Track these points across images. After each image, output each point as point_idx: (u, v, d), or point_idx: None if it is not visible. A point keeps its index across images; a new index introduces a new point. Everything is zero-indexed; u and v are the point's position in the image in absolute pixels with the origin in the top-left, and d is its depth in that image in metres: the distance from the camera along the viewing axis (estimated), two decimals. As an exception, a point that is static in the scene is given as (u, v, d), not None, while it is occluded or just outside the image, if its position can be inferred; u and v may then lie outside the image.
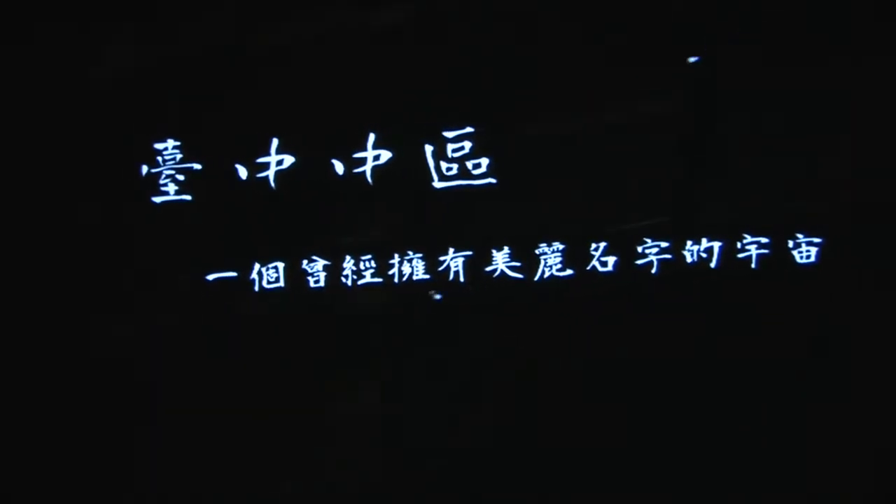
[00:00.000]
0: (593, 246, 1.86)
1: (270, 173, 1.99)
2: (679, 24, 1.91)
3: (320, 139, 1.99)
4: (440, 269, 1.94)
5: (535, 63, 1.98)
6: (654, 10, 1.89)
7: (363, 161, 1.94)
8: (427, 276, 1.98)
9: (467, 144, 1.90)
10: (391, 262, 1.95)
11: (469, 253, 1.92)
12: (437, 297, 1.94)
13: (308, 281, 2.01)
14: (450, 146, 1.91)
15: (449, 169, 1.91)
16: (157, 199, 2.01)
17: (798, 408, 1.91)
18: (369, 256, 1.96)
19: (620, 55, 1.89)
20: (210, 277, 2.05)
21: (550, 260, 1.89)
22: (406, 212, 2.06)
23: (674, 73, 1.97)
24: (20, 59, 2.21)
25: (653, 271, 1.90)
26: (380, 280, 1.98)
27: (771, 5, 1.86)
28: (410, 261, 1.94)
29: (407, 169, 1.95)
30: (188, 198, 2.01)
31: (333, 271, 2.01)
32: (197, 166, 2.01)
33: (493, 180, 1.89)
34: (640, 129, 1.93)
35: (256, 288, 2.04)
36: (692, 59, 1.90)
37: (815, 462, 1.83)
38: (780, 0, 1.89)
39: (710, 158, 1.91)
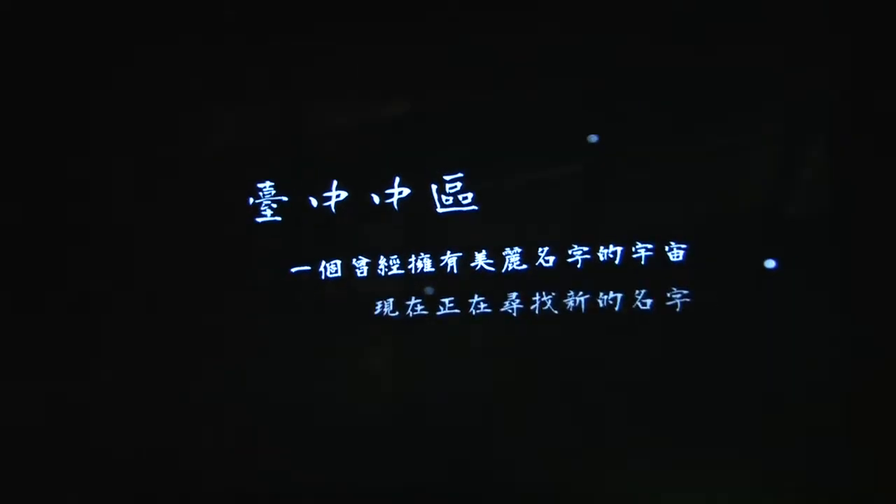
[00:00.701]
0: (540, 249, 2.38)
1: (332, 203, 2.51)
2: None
3: (364, 181, 2.51)
4: (441, 264, 2.46)
5: (504, 135, 2.44)
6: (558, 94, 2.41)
7: (391, 195, 2.48)
8: (433, 269, 2.46)
9: (459, 184, 2.44)
10: (409, 260, 2.48)
11: (460, 254, 2.43)
12: (430, 291, 2.44)
13: (356, 272, 2.52)
14: (447, 185, 2.44)
15: (447, 200, 2.45)
16: (259, 220, 2.59)
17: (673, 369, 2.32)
18: (395, 256, 2.48)
19: (549, 130, 2.40)
20: (293, 270, 2.57)
21: (512, 258, 2.40)
22: (419, 228, 2.48)
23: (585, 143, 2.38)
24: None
25: (578, 266, 2.36)
26: (402, 272, 2.48)
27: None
28: (422, 259, 2.47)
29: (420, 200, 2.46)
30: (279, 219, 2.58)
31: (372, 266, 2.51)
32: (284, 198, 2.57)
33: (475, 207, 2.42)
34: (570, 177, 2.41)
35: (323, 277, 2.55)
36: (592, 138, 2.37)
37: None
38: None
39: (616, 194, 2.39)
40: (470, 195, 2.45)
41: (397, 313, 2.50)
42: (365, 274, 2.52)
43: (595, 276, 2.37)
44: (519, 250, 2.41)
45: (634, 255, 2.34)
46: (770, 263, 2.25)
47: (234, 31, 2.58)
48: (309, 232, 2.59)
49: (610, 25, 2.40)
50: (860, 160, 2.27)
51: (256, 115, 2.64)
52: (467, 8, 2.48)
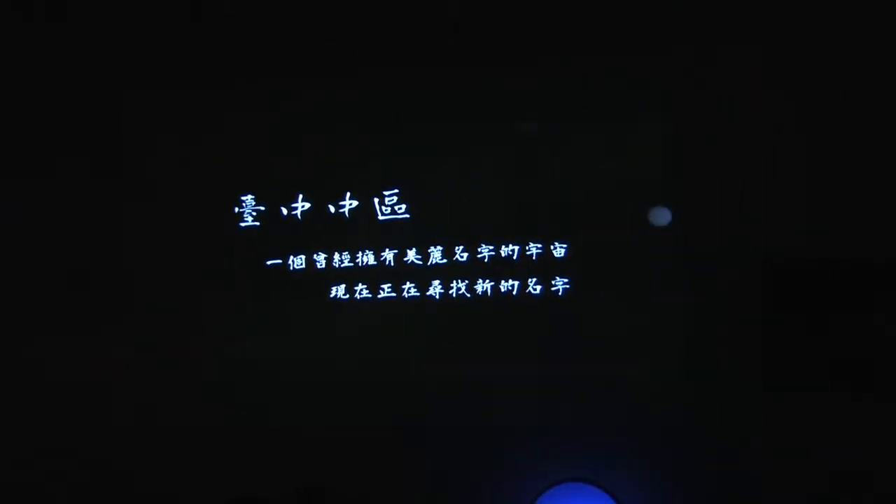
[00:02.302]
0: (457, 247, 2.75)
1: (298, 212, 2.86)
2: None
3: (322, 195, 2.85)
4: (381, 259, 2.81)
5: (432, 161, 2.80)
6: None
7: (343, 206, 2.82)
8: (374, 263, 2.79)
9: (395, 198, 2.79)
10: (357, 256, 2.81)
11: (396, 251, 2.79)
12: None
13: (316, 265, 2.84)
14: (386, 199, 2.81)
15: (386, 210, 2.80)
16: (242, 225, 2.92)
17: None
18: (346, 253, 2.82)
19: (462, 158, 2.76)
20: (268, 263, 2.89)
21: (435, 254, 2.76)
22: (364, 231, 2.82)
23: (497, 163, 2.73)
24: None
25: (486, 261, 2.73)
26: (351, 265, 2.80)
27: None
28: (366, 255, 2.82)
29: (365, 211, 2.82)
30: (258, 224, 2.91)
31: (328, 261, 2.83)
32: (262, 208, 2.90)
33: (407, 216, 2.78)
34: (479, 193, 2.76)
35: (291, 269, 2.86)
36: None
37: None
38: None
39: (513, 206, 2.73)
40: (404, 206, 2.81)
41: (347, 296, 2.85)
42: (323, 266, 2.85)
43: (498, 268, 2.75)
44: (440, 248, 2.78)
45: (528, 252, 2.73)
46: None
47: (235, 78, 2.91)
48: (281, 234, 2.90)
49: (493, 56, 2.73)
50: (702, 172, 2.63)
51: (242, 145, 2.98)
52: (407, 63, 2.87)
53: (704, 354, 2.63)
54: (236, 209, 2.93)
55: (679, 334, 2.65)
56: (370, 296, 2.83)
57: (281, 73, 2.91)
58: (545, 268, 2.72)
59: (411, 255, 2.81)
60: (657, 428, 2.62)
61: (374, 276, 2.83)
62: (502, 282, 2.74)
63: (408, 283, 2.81)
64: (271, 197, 2.91)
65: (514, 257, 2.73)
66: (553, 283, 2.72)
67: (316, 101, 2.91)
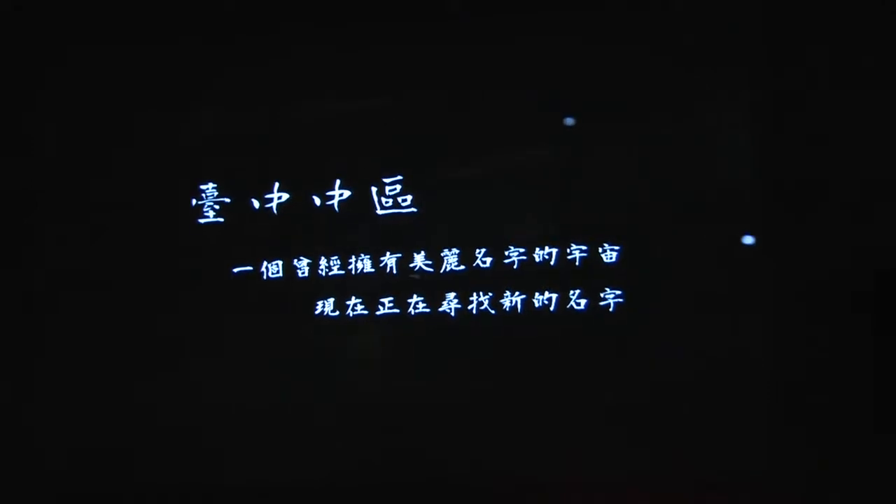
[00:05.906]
0: (477, 251, 2.45)
1: (273, 205, 2.56)
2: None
3: (305, 183, 2.55)
4: (381, 265, 2.51)
5: (444, 138, 2.52)
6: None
7: (332, 197, 2.54)
8: (372, 270, 2.49)
9: (398, 187, 2.51)
10: (350, 261, 2.52)
11: (399, 255, 2.50)
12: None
13: (297, 273, 2.54)
14: (387, 188, 2.52)
15: (387, 202, 2.52)
16: (201, 221, 2.61)
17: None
18: (336, 257, 2.52)
19: (486, 134, 2.47)
20: (235, 270, 2.58)
21: (450, 259, 2.47)
22: (359, 229, 2.52)
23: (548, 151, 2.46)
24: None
25: (514, 267, 2.43)
26: (342, 273, 2.50)
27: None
28: (362, 260, 2.52)
29: (360, 202, 2.53)
30: (221, 220, 2.61)
31: (313, 267, 2.54)
32: (227, 199, 2.60)
33: (414, 209, 2.49)
34: (507, 179, 2.47)
35: (264, 277, 2.56)
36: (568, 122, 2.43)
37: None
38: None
39: (552, 196, 2.47)
40: (409, 197, 2.52)
41: (337, 313, 2.54)
42: (306, 274, 2.56)
43: (531, 276, 2.45)
44: (457, 251, 2.48)
45: (569, 256, 2.43)
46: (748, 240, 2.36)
47: (180, 32, 2.63)
48: (251, 233, 2.62)
49: (539, 35, 2.50)
50: (783, 164, 2.38)
51: (200, 118, 2.69)
52: (410, 19, 2.58)
53: (799, 390, 2.32)
54: (194, 201, 2.61)
55: (766, 364, 2.33)
56: (366, 312, 2.51)
57: (254, 29, 2.62)
58: (592, 276, 2.40)
59: (419, 259, 2.48)
60: (740, 484, 2.30)
61: (371, 287, 2.51)
62: (536, 294, 2.42)
63: (415, 296, 2.49)
64: (238, 185, 2.60)
65: (552, 263, 2.41)
66: (602, 295, 2.39)
67: (297, 62, 2.60)
